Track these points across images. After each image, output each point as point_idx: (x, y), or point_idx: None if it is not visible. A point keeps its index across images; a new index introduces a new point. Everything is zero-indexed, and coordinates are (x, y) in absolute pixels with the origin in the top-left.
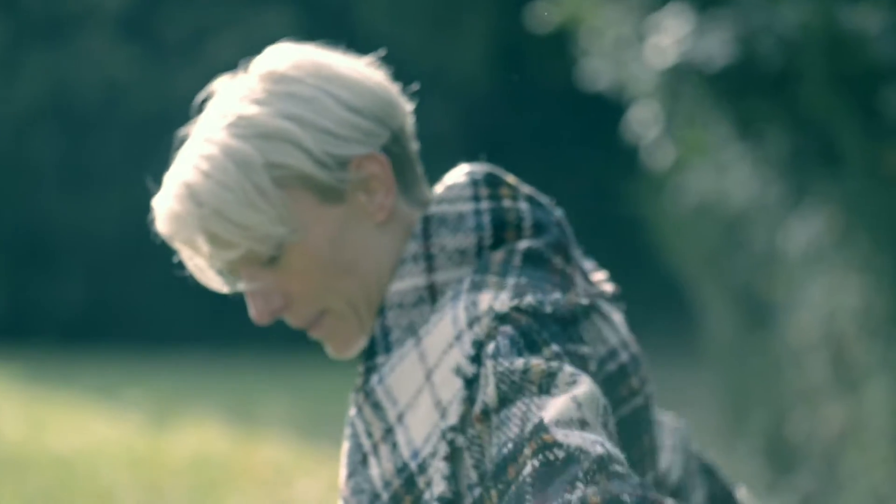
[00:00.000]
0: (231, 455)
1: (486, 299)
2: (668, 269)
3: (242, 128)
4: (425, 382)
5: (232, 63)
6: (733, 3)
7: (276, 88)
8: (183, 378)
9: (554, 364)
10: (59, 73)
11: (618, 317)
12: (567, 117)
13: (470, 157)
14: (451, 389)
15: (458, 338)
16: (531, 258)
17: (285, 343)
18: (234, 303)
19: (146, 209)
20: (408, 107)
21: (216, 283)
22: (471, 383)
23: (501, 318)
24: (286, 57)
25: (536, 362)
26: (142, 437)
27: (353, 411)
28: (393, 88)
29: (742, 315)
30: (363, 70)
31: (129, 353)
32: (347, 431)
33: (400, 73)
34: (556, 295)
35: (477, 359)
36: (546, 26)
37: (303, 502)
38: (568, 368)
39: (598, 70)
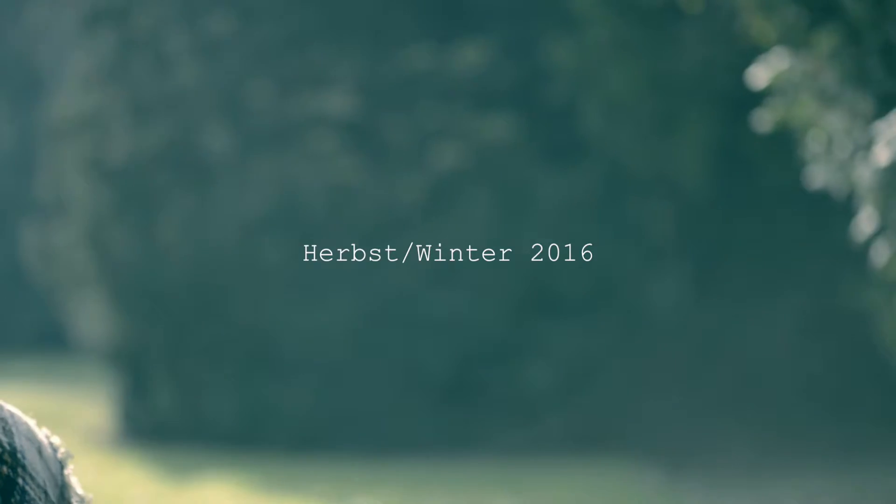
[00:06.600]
0: None
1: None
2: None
3: None
4: None
5: (455, 167)
6: None
7: None
8: (414, 486)
9: None
10: (286, 179)
11: None
12: (791, 218)
13: (692, 261)
14: None
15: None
16: None
17: (516, 450)
18: (465, 407)
19: (376, 313)
20: None
21: None
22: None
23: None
24: None
25: None
26: None
27: None
28: None
29: None
30: None
31: (360, 461)
32: None
33: (620, 176)
34: None
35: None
36: (768, 127)
37: None
38: None
39: (822, 172)
